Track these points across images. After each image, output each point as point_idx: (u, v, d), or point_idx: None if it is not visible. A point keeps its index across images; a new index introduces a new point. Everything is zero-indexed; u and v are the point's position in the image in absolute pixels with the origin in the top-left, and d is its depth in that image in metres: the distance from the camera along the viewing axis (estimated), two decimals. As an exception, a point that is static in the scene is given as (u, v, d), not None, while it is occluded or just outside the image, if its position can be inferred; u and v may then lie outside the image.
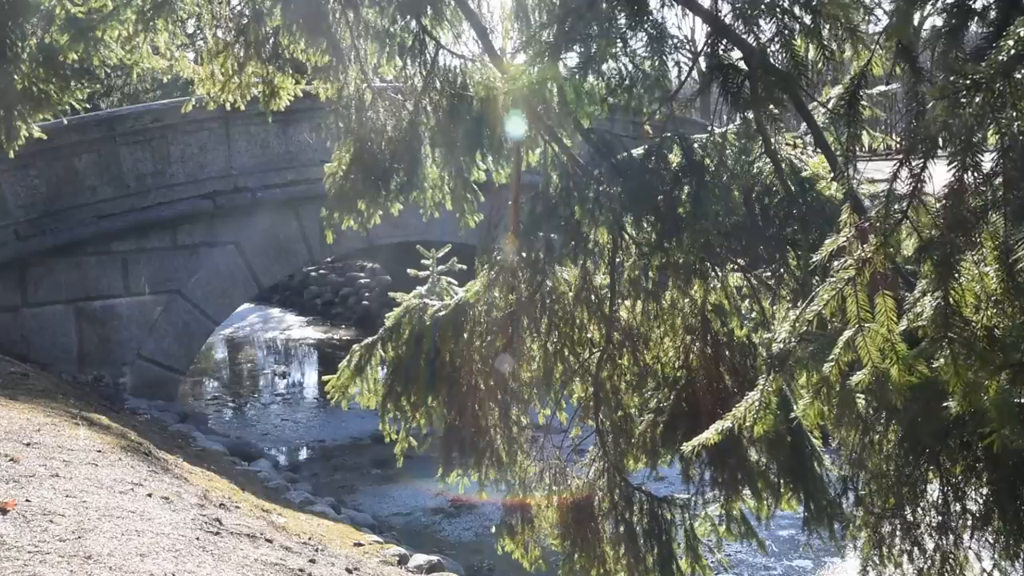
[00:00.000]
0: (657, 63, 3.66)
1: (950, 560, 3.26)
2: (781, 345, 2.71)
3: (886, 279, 2.45)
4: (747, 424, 2.70)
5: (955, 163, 2.14)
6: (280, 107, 5.87)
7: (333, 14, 5.17)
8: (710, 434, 2.77)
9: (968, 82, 2.06)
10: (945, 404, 2.28)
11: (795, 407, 3.26)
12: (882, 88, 3.68)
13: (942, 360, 2.15)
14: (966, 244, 2.18)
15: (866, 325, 2.31)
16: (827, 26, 3.56)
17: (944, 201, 2.20)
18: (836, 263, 2.49)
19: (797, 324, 2.65)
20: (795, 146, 4.34)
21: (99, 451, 6.13)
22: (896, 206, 2.33)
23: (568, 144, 4.50)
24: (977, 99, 2.04)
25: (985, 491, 3.18)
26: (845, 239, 2.61)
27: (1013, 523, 3.08)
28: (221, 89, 5.71)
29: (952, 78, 2.09)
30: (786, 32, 3.56)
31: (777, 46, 3.62)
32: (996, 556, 3.23)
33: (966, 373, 2.13)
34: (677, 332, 4.31)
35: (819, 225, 4.05)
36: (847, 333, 2.36)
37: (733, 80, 3.73)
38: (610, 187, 4.21)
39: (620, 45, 3.65)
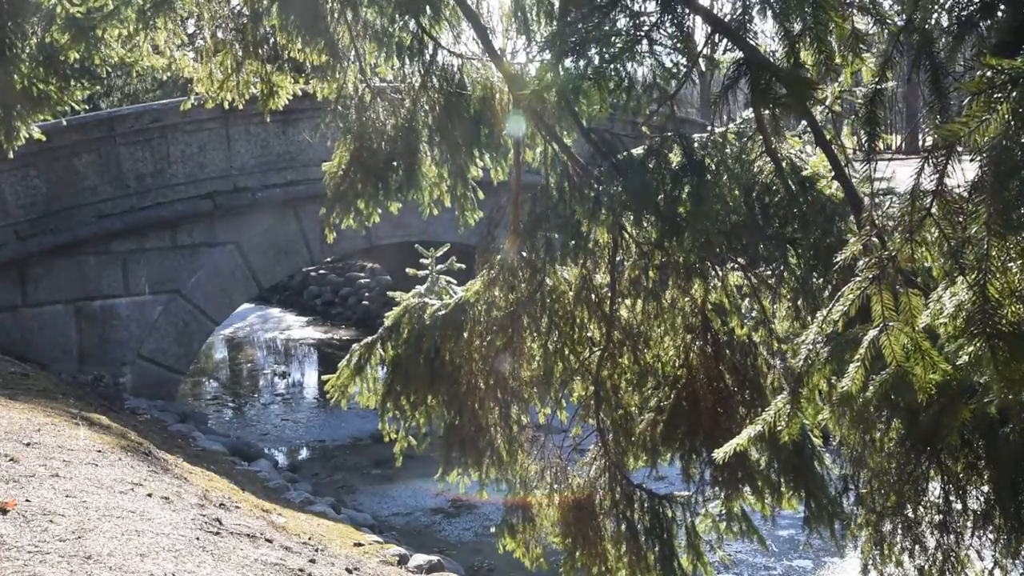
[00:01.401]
0: (684, 61, 3.66)
1: (951, 558, 3.25)
2: (809, 347, 2.68)
3: (909, 279, 2.43)
4: (777, 429, 2.68)
5: (986, 157, 2.11)
6: (278, 106, 5.87)
7: (332, 14, 5.17)
8: (741, 440, 2.76)
9: (1004, 77, 2.04)
10: (970, 402, 2.26)
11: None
12: (884, 85, 3.66)
13: (966, 357, 2.13)
14: (995, 239, 2.15)
15: (890, 324, 2.30)
16: (851, 21, 3.54)
17: (977, 196, 2.17)
18: (860, 263, 2.47)
19: (824, 326, 2.62)
20: (800, 143, 4.34)
21: (99, 451, 6.12)
22: (919, 203, 2.31)
23: (568, 143, 4.50)
24: (1015, 94, 2.02)
25: (986, 489, 3.17)
26: (867, 237, 2.60)
27: (1014, 521, 3.07)
28: (220, 88, 5.72)
29: (989, 74, 2.06)
30: (817, 28, 3.53)
31: (805, 42, 3.59)
32: (997, 554, 3.22)
33: (1008, 368, 2.11)
34: (677, 331, 4.30)
35: (819, 224, 4.05)
36: (872, 332, 2.34)
37: (762, 77, 3.70)
38: (610, 186, 4.20)
39: (645, 44, 3.63)
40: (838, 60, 3.62)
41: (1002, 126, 2.02)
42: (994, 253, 2.10)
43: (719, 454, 2.80)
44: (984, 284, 2.10)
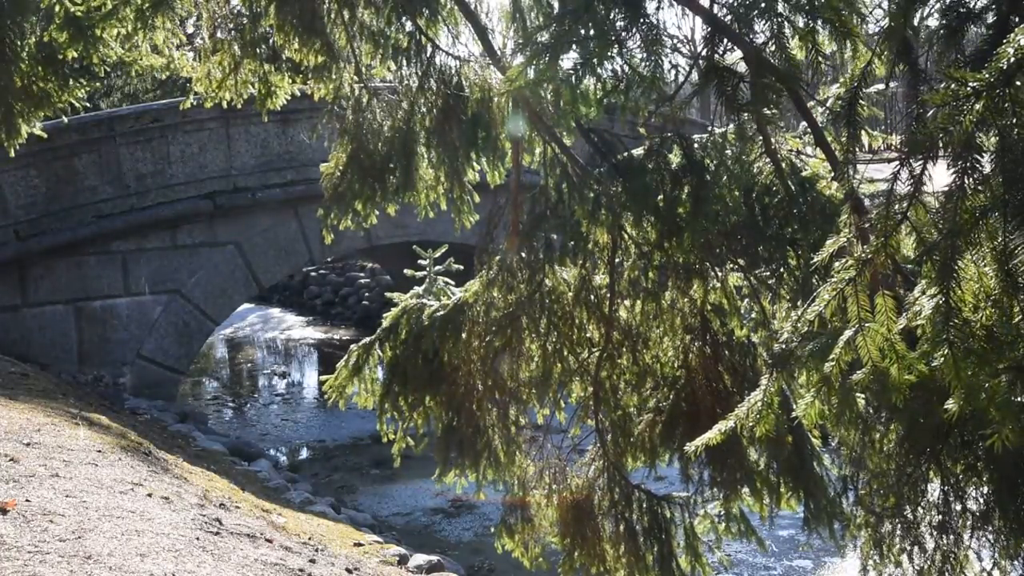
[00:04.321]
0: (652, 65, 3.65)
1: (950, 559, 3.25)
2: (783, 345, 2.71)
3: (886, 279, 2.45)
4: (749, 424, 2.69)
5: (956, 166, 2.15)
6: (276, 106, 5.87)
7: (328, 14, 5.17)
8: (712, 434, 2.76)
9: (969, 90, 2.07)
10: (945, 403, 2.28)
11: (795, 407, 3.26)
12: (879, 87, 3.67)
13: (941, 359, 2.15)
14: (965, 245, 2.18)
15: (866, 324, 2.32)
16: (827, 26, 3.55)
17: (944, 203, 2.21)
18: (837, 263, 2.49)
19: (799, 324, 2.65)
20: (801, 144, 4.34)
21: (99, 451, 6.12)
22: (896, 207, 2.33)
23: (568, 144, 4.50)
24: (978, 106, 2.05)
25: (985, 490, 3.18)
26: (846, 239, 2.62)
27: (1013, 522, 3.08)
28: (218, 87, 5.71)
29: (953, 86, 2.10)
30: (786, 32, 3.54)
31: (775, 47, 3.60)
32: (996, 555, 3.22)
33: (967, 373, 2.13)
34: (676, 332, 4.30)
35: (819, 225, 4.05)
36: (848, 332, 2.36)
37: (728, 82, 3.72)
38: (610, 187, 4.20)
39: (616, 48, 3.64)
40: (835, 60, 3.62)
41: (965, 138, 2.06)
42: (965, 260, 2.13)
43: (690, 448, 2.81)
44: (947, 290, 2.13)
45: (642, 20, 3.60)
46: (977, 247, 2.18)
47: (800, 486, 3.97)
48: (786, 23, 3.47)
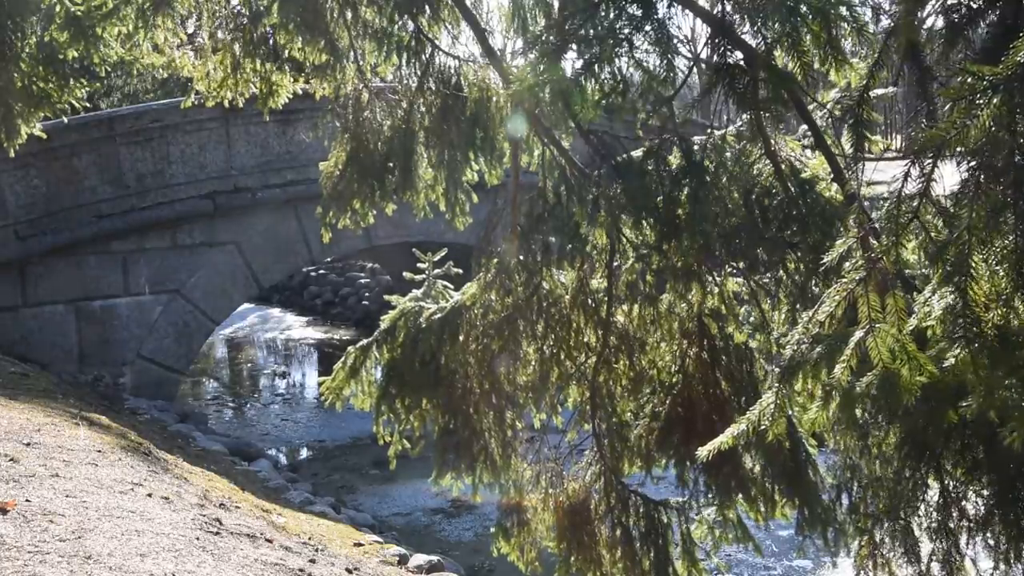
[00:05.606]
0: (664, 65, 3.64)
1: (948, 565, 3.24)
2: (793, 347, 2.69)
3: (893, 280, 2.44)
4: (761, 427, 2.68)
5: (971, 163, 2.13)
6: (278, 105, 5.87)
7: (331, 13, 5.17)
8: (724, 438, 2.74)
9: (985, 84, 2.06)
10: (952, 405, 2.27)
11: (791, 412, 3.25)
12: (880, 91, 3.66)
13: (952, 360, 2.14)
14: (978, 243, 2.17)
15: (876, 325, 2.31)
16: (832, 27, 3.53)
17: (958, 199, 2.19)
18: (847, 264, 2.48)
19: (809, 326, 2.63)
20: (800, 147, 4.33)
21: (99, 451, 6.13)
22: (905, 206, 2.32)
23: (566, 146, 4.49)
24: (995, 101, 2.04)
25: (985, 493, 3.16)
26: (853, 240, 2.61)
27: (1012, 526, 3.07)
28: (219, 87, 5.71)
29: (968, 80, 2.08)
30: (793, 34, 3.52)
31: (783, 47, 3.58)
32: (995, 560, 3.21)
33: (983, 372, 2.12)
34: (674, 337, 4.29)
35: (819, 227, 4.04)
36: (858, 334, 2.35)
37: (739, 81, 3.71)
38: (609, 189, 4.20)
39: (626, 47, 3.63)
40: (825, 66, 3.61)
41: (983, 132, 2.04)
42: (976, 258, 2.12)
43: (702, 452, 2.79)
44: (965, 288, 2.11)
45: (653, 19, 3.59)
46: (989, 245, 2.16)
47: (795, 493, 3.96)
48: (801, 21, 3.44)
